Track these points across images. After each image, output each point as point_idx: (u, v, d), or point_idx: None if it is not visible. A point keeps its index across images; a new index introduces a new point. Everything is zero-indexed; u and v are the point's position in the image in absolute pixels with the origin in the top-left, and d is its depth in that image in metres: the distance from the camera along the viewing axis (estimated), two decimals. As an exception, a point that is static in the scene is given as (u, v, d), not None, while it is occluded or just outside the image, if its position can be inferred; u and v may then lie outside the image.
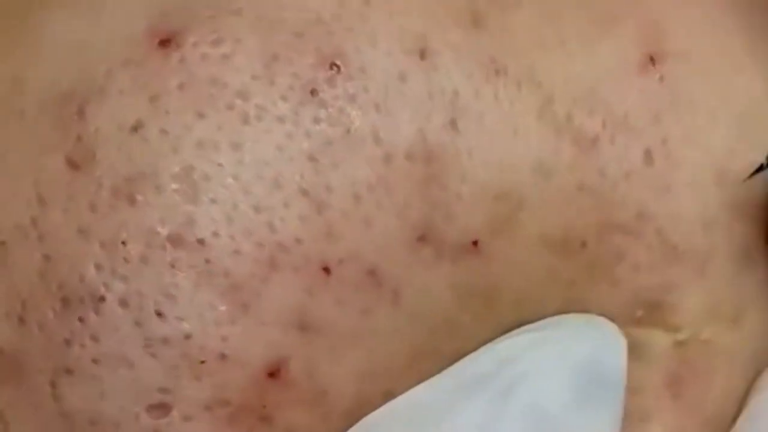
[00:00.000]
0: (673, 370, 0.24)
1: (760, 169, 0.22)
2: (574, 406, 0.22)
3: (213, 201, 0.22)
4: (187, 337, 0.22)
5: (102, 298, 0.22)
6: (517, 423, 0.22)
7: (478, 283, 0.23)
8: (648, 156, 0.23)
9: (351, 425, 0.23)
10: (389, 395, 0.23)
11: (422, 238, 0.23)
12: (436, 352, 0.23)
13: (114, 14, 0.23)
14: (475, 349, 0.23)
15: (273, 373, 0.22)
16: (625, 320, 0.24)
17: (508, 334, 0.23)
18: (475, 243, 0.23)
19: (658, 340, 0.24)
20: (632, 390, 0.23)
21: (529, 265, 0.23)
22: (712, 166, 0.24)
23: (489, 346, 0.23)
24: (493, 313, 0.23)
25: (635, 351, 0.24)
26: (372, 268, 0.22)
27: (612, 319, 0.24)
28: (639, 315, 0.24)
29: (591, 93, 0.23)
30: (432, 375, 0.23)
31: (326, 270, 0.22)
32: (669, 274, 0.24)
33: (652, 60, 0.24)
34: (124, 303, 0.22)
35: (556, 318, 0.24)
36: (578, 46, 0.24)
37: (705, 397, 0.24)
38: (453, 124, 0.23)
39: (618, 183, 0.23)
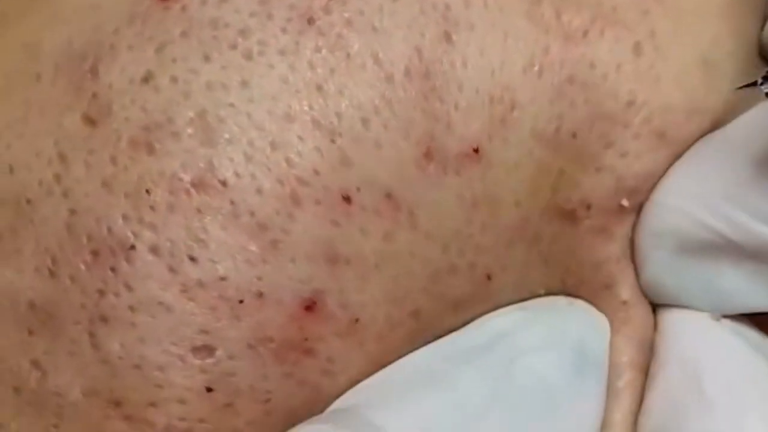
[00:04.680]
0: None
1: (754, 84, 0.23)
2: (571, 379, 0.23)
3: (229, 141, 0.23)
4: (223, 278, 0.22)
5: (132, 247, 0.22)
6: (524, 392, 0.23)
7: (480, 191, 0.24)
8: (637, 48, 0.24)
9: (384, 349, 0.23)
10: (416, 316, 0.24)
11: (427, 154, 0.23)
12: (452, 270, 0.24)
13: None
14: (484, 261, 0.24)
15: (309, 307, 0.23)
16: (615, 210, 0.25)
17: (494, 312, 0.24)
18: (476, 150, 0.23)
19: None
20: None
21: (522, 163, 0.24)
22: (698, 55, 0.25)
23: (477, 322, 0.24)
24: (497, 221, 0.24)
25: None
26: (389, 191, 0.23)
27: (604, 207, 0.24)
28: (624, 204, 0.25)
29: None
30: (451, 292, 0.24)
31: (347, 199, 0.23)
32: (652, 162, 0.24)
33: None
34: (155, 250, 0.22)
35: (541, 299, 0.25)
36: None
37: None
38: (447, 36, 0.24)
39: (608, 74, 0.24)
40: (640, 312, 0.25)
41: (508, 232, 0.24)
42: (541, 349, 0.24)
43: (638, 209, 0.25)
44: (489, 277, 0.24)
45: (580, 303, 0.25)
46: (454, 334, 0.24)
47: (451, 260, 0.24)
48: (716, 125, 0.25)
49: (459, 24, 0.24)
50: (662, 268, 0.25)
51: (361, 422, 0.22)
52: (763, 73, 0.22)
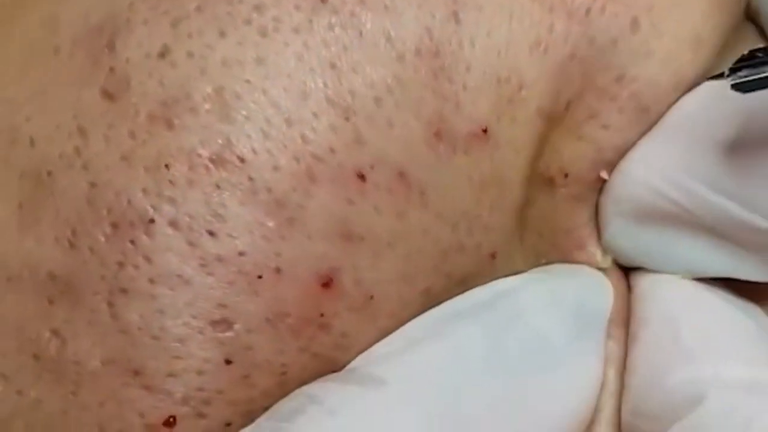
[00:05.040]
0: None
1: (720, 75, 0.23)
2: (572, 339, 0.24)
3: (247, 118, 0.23)
4: (241, 254, 0.23)
5: (152, 221, 0.23)
6: (524, 348, 0.23)
7: (489, 172, 0.24)
8: (635, 23, 0.25)
9: (396, 325, 0.24)
10: (427, 294, 0.24)
11: (437, 134, 0.24)
12: (460, 248, 0.24)
13: None
14: (490, 241, 0.25)
15: (326, 284, 0.23)
16: (593, 180, 0.25)
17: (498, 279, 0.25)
18: (485, 130, 0.24)
19: None
20: None
21: (527, 142, 0.25)
22: (690, 33, 0.25)
23: (481, 286, 0.25)
24: (504, 201, 0.25)
25: None
26: (401, 170, 0.23)
27: (582, 177, 0.25)
28: (603, 176, 0.25)
29: None
30: (458, 270, 0.25)
31: (361, 177, 0.23)
32: (635, 136, 0.25)
33: None
34: (174, 224, 0.23)
35: (545, 267, 0.26)
36: None
37: None
38: (455, 15, 0.24)
39: (605, 50, 0.25)
40: (615, 271, 0.26)
41: (514, 212, 0.25)
42: (543, 309, 0.24)
43: None
44: (493, 256, 0.25)
45: (583, 267, 0.26)
46: (457, 297, 0.25)
47: (460, 239, 0.24)
48: None
49: (467, 4, 0.24)
50: (622, 232, 0.25)
51: (363, 377, 0.23)
52: (730, 65, 0.23)
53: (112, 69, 0.23)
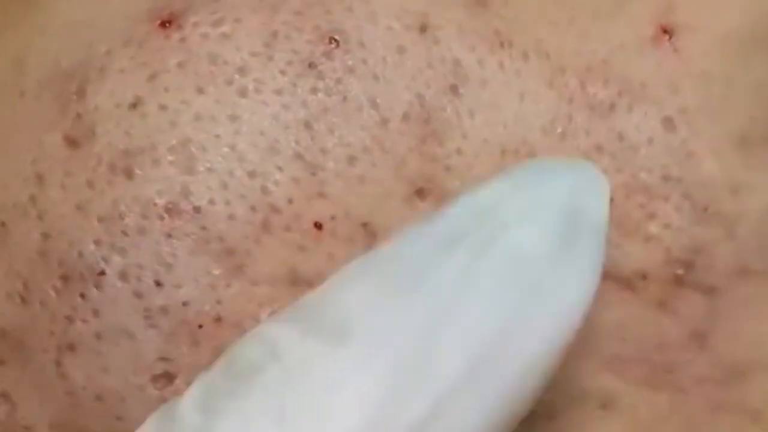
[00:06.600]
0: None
1: None
2: (557, 250, 0.21)
3: (209, 170, 0.22)
4: (185, 303, 0.22)
5: (102, 273, 0.22)
6: (498, 269, 0.20)
7: None
8: (668, 123, 0.23)
9: None
10: None
11: (420, 192, 0.23)
12: None
13: None
14: None
15: None
16: (666, 278, 0.23)
17: (483, 182, 0.22)
18: None
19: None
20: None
21: None
22: (733, 134, 0.24)
23: (465, 196, 0.21)
24: None
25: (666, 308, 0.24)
26: (365, 221, 0.22)
27: (661, 277, 0.23)
28: (679, 273, 0.23)
29: (605, 64, 0.23)
30: None
31: (318, 226, 0.22)
32: (700, 235, 0.23)
33: (665, 32, 0.24)
34: (123, 276, 0.22)
35: (535, 161, 0.23)
36: (590, 22, 0.24)
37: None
38: (453, 89, 0.23)
39: (639, 147, 0.23)
40: None
41: None
42: (526, 221, 0.21)
43: (697, 286, 0.24)
44: None
45: (578, 162, 0.23)
46: (440, 216, 0.21)
47: None
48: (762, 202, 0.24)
49: (469, 79, 0.23)
50: None
51: (328, 329, 0.20)
52: None
53: (78, 115, 0.23)
